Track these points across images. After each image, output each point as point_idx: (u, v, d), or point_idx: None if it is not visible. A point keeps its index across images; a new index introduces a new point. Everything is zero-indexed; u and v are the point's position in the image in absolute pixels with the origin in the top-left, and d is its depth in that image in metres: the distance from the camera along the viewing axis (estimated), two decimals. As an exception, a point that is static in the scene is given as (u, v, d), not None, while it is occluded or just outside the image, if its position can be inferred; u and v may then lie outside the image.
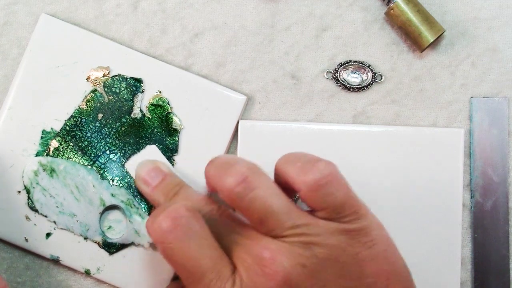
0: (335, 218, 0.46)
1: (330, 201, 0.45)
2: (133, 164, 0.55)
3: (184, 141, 0.56)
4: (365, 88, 0.57)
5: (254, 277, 0.44)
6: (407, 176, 0.56)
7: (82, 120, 0.56)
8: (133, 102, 0.56)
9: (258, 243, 0.45)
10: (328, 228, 0.45)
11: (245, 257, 0.45)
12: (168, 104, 0.56)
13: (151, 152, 0.56)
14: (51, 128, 0.56)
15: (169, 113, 0.56)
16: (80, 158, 0.56)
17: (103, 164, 0.56)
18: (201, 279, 0.45)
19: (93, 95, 0.56)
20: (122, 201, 0.55)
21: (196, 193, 0.51)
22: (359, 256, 0.45)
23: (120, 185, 0.55)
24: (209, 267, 0.45)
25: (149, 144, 0.56)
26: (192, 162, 0.55)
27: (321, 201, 0.45)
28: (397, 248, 0.47)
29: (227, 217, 0.49)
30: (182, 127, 0.56)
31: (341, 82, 0.57)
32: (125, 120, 0.56)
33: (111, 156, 0.56)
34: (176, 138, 0.56)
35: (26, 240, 0.56)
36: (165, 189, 0.52)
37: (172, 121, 0.56)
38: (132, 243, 0.55)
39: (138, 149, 0.56)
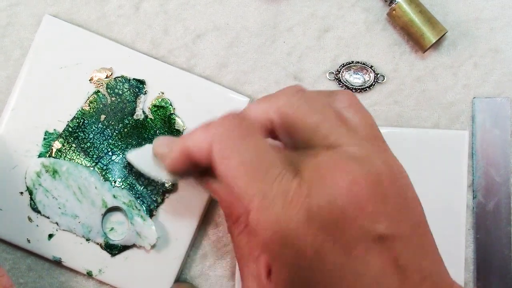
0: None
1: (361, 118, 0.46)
2: (136, 156, 0.54)
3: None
4: (368, 89, 0.57)
5: (328, 180, 0.42)
6: (410, 177, 0.56)
7: (85, 122, 0.56)
8: (135, 103, 0.56)
9: (325, 150, 0.44)
10: (375, 146, 0.45)
11: (313, 163, 0.44)
12: (171, 105, 0.56)
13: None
14: (54, 129, 0.56)
15: (171, 114, 0.56)
16: (82, 159, 0.56)
17: (106, 165, 0.56)
18: (265, 174, 0.43)
19: (96, 96, 0.56)
20: (124, 203, 0.55)
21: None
22: (397, 182, 0.45)
23: (122, 186, 0.55)
24: (274, 163, 0.43)
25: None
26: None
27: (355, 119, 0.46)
28: None
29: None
30: (184, 128, 0.56)
31: (343, 83, 0.57)
32: (127, 122, 0.56)
33: (114, 157, 0.56)
34: (179, 139, 0.56)
35: (29, 241, 0.56)
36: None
37: (174, 122, 0.56)
38: (134, 245, 0.55)
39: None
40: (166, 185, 0.55)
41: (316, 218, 0.42)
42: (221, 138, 0.45)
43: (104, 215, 0.56)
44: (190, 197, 0.56)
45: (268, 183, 0.43)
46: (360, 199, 0.42)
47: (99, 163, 0.56)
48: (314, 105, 0.45)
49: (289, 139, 0.46)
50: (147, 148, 0.53)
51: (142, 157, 0.53)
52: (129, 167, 0.56)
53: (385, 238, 0.43)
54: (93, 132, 0.56)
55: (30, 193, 0.55)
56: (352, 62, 0.58)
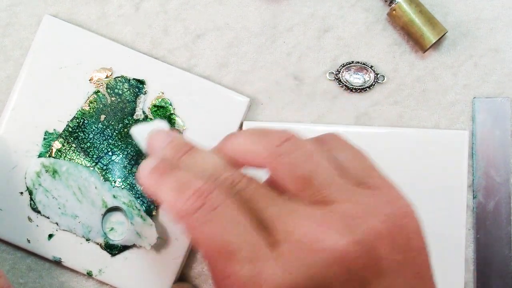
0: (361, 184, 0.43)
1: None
2: (139, 132, 0.51)
3: (187, 142, 0.56)
4: (368, 89, 0.57)
5: (304, 255, 0.40)
6: (410, 178, 0.56)
7: (85, 122, 0.56)
8: (135, 103, 0.56)
9: (308, 218, 0.41)
10: (375, 197, 0.42)
11: (290, 231, 0.40)
12: (171, 105, 0.56)
13: (160, 126, 0.54)
14: (54, 129, 0.56)
15: (171, 114, 0.56)
16: (82, 159, 0.56)
17: (106, 165, 0.56)
18: (231, 258, 0.40)
19: (95, 96, 0.56)
20: (124, 203, 0.55)
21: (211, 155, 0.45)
22: (404, 230, 0.42)
23: (122, 186, 0.55)
24: (242, 244, 0.40)
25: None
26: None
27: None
28: None
29: (264, 188, 0.43)
30: (184, 128, 0.56)
31: (343, 83, 0.57)
32: (127, 122, 0.56)
33: (114, 157, 0.56)
34: (179, 139, 0.56)
35: (29, 241, 0.56)
36: (174, 148, 0.46)
37: (174, 122, 0.56)
38: (134, 245, 0.55)
39: (140, 151, 0.56)
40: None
41: None
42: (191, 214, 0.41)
43: (104, 215, 0.56)
44: (190, 197, 0.56)
45: (238, 265, 0.40)
46: (345, 271, 0.40)
47: (99, 163, 0.56)
48: (307, 153, 0.42)
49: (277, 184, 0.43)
50: (152, 125, 0.50)
51: (145, 134, 0.50)
52: (129, 166, 0.56)
53: None
54: (93, 132, 0.56)
55: (30, 193, 0.55)
56: (352, 62, 0.58)
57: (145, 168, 0.44)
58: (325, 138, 0.45)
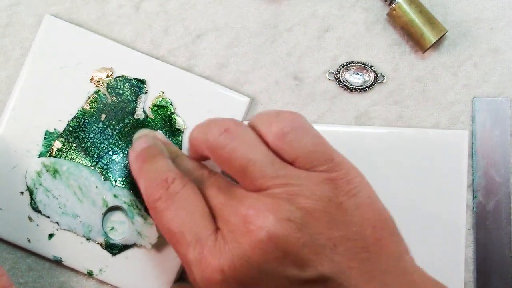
0: (311, 167, 0.45)
1: (299, 148, 0.45)
2: None
3: (188, 144, 0.56)
4: (368, 89, 0.57)
5: (238, 236, 0.43)
6: (410, 177, 0.56)
7: (85, 121, 0.56)
8: (136, 103, 0.56)
9: (242, 202, 0.44)
10: (310, 178, 0.44)
11: (229, 217, 0.44)
12: (171, 104, 0.56)
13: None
14: (54, 129, 0.56)
15: (172, 113, 0.56)
16: (83, 159, 0.56)
17: (106, 165, 0.56)
18: (181, 242, 0.45)
19: (96, 96, 0.56)
20: (125, 202, 0.55)
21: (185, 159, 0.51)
22: (343, 205, 0.44)
23: (123, 186, 0.55)
24: (188, 229, 0.45)
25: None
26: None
27: (290, 150, 0.45)
28: (379, 197, 0.46)
29: (215, 180, 0.48)
30: (185, 127, 0.56)
31: (343, 83, 0.57)
32: (128, 121, 0.56)
33: (114, 157, 0.56)
34: (180, 138, 0.56)
35: (29, 240, 0.55)
36: (147, 153, 0.51)
37: (175, 121, 0.56)
38: (135, 244, 0.55)
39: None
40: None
41: (230, 279, 0.43)
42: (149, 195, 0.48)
43: (104, 214, 0.56)
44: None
45: (186, 248, 0.45)
46: (278, 250, 0.42)
47: (100, 163, 0.56)
48: (242, 145, 0.45)
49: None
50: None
51: None
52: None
53: (317, 280, 0.43)
54: (94, 132, 0.56)
55: (31, 192, 0.55)
56: (352, 62, 0.58)
57: (131, 153, 0.51)
58: (283, 114, 0.46)
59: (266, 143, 0.46)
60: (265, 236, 0.42)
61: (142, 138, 0.52)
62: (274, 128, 0.45)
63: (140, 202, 0.55)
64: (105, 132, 0.56)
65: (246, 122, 0.49)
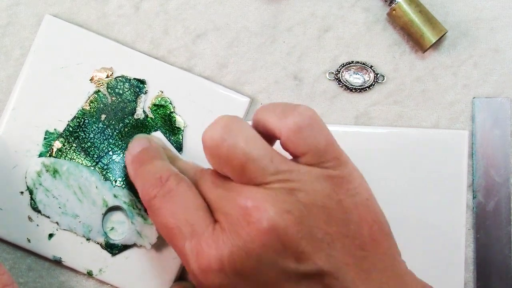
0: (317, 163, 0.45)
1: (312, 144, 0.45)
2: None
3: (189, 142, 0.56)
4: (367, 89, 0.57)
5: (237, 228, 0.43)
6: (410, 177, 0.56)
7: (85, 121, 0.56)
8: (136, 103, 0.56)
9: (240, 194, 0.44)
10: (311, 173, 0.44)
11: (227, 209, 0.44)
12: (171, 103, 0.56)
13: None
14: (55, 129, 0.56)
15: (171, 112, 0.56)
16: (83, 159, 0.56)
17: (106, 165, 0.56)
18: (177, 235, 0.45)
19: (96, 96, 0.56)
20: (125, 202, 0.55)
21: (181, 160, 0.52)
22: (342, 203, 0.44)
23: (123, 186, 0.55)
24: (184, 223, 0.45)
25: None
26: (196, 163, 0.55)
27: (302, 144, 0.45)
28: (376, 201, 0.46)
29: (209, 176, 0.48)
30: (185, 125, 0.56)
31: (343, 83, 0.57)
32: (128, 121, 0.56)
33: (114, 157, 0.56)
34: (180, 137, 0.56)
35: (29, 240, 0.56)
36: (143, 156, 0.51)
37: (175, 120, 0.56)
38: (135, 244, 0.55)
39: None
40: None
41: (228, 269, 0.43)
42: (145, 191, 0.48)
43: (104, 214, 0.56)
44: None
45: (183, 241, 0.45)
46: (277, 242, 0.43)
47: (100, 163, 0.56)
48: (240, 142, 0.45)
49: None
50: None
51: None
52: None
53: (315, 274, 0.43)
54: (94, 132, 0.56)
55: (31, 192, 0.55)
56: (352, 62, 0.58)
57: (127, 156, 0.51)
58: (299, 108, 0.46)
59: (271, 135, 0.46)
60: (265, 228, 0.42)
61: (137, 140, 0.52)
62: (290, 121, 0.45)
63: (140, 202, 0.55)
64: (105, 132, 0.56)
65: (250, 122, 0.48)
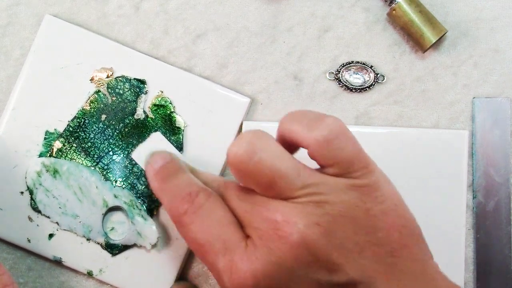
0: (344, 174, 0.45)
1: (339, 156, 0.45)
2: (140, 153, 0.55)
3: (189, 142, 0.56)
4: (367, 88, 0.57)
5: (269, 243, 0.43)
6: (410, 177, 0.56)
7: (86, 121, 0.56)
8: (136, 103, 0.56)
9: (269, 208, 0.44)
10: (338, 184, 0.45)
11: (257, 224, 0.45)
12: (171, 103, 0.56)
13: (157, 140, 0.56)
14: (55, 129, 0.56)
15: (172, 112, 0.56)
16: (83, 159, 0.56)
17: (106, 165, 0.56)
18: (209, 252, 0.45)
19: (96, 96, 0.56)
20: (125, 202, 0.55)
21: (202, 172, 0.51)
22: (370, 211, 0.44)
23: (123, 186, 0.55)
24: (216, 238, 0.45)
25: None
26: (197, 163, 0.55)
27: (330, 157, 0.45)
28: (406, 204, 0.47)
29: (234, 189, 0.48)
30: (186, 125, 0.56)
31: (343, 83, 0.57)
32: (128, 121, 0.56)
33: (114, 157, 0.56)
34: (180, 136, 0.56)
35: (29, 241, 0.56)
36: (167, 170, 0.50)
37: (175, 120, 0.56)
38: (135, 245, 0.55)
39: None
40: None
41: (262, 284, 0.44)
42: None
43: (104, 214, 0.56)
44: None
45: (215, 257, 0.45)
46: (309, 255, 0.43)
47: (100, 163, 0.56)
48: (268, 157, 0.45)
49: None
50: (149, 142, 0.55)
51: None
52: (130, 166, 0.56)
53: (347, 284, 0.44)
54: (94, 132, 0.56)
55: (31, 192, 0.55)
56: (352, 62, 0.58)
57: (149, 169, 0.50)
58: (327, 119, 0.46)
59: (296, 144, 0.46)
60: (296, 241, 0.43)
61: (159, 153, 0.51)
62: (318, 135, 0.45)
63: (140, 203, 0.55)
64: (105, 132, 0.56)
65: (273, 124, 0.48)
